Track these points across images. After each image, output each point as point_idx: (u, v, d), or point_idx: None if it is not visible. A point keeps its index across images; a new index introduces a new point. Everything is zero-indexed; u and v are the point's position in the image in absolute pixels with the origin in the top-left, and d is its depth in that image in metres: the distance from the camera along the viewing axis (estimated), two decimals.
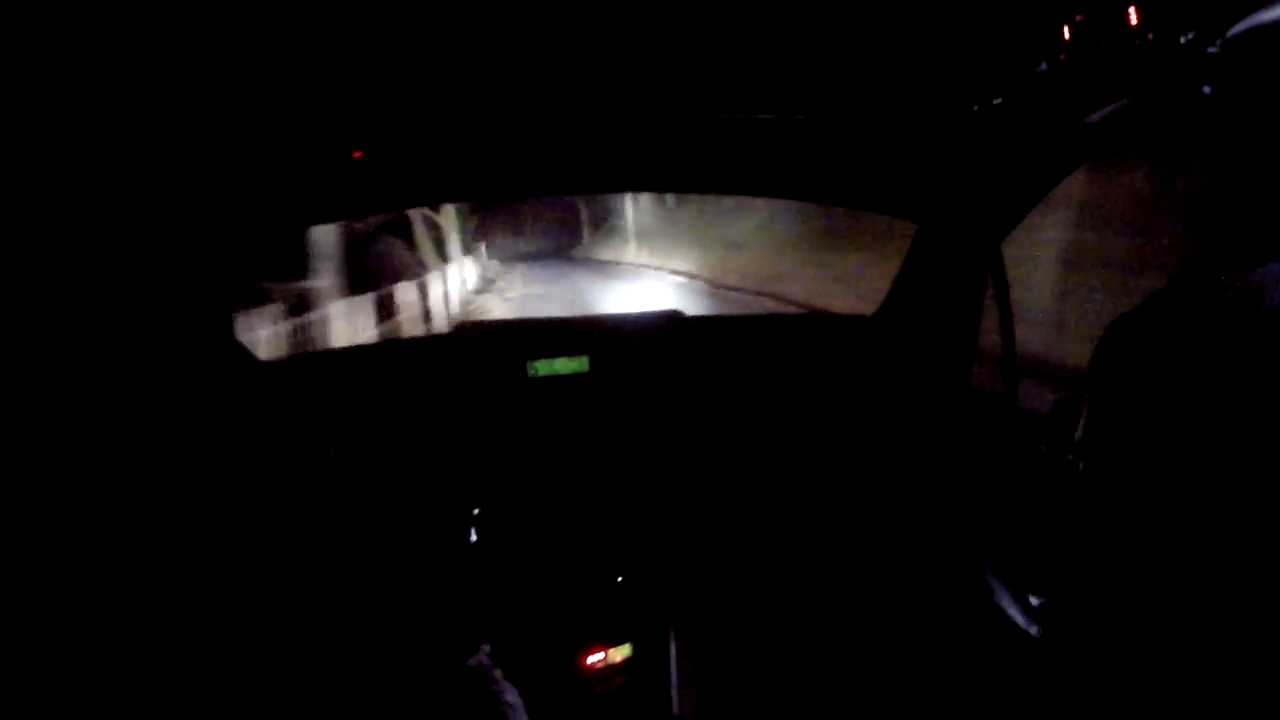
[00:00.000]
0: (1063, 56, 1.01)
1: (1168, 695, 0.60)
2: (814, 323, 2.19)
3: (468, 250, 20.48)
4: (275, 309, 8.25)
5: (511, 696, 1.19)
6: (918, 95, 1.21)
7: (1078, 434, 0.67)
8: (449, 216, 17.48)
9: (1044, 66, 1.05)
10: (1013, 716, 1.26)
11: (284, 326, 8.09)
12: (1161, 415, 0.60)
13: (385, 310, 10.68)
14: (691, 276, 16.82)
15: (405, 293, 11.70)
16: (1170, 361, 0.60)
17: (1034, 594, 1.26)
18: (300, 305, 8.99)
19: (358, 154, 1.34)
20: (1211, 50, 0.91)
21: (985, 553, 1.41)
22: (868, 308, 1.92)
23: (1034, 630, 1.22)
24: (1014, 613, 1.28)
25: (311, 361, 1.80)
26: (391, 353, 1.85)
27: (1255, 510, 0.55)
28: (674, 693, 1.55)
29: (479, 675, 1.19)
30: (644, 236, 24.18)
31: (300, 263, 10.18)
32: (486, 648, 1.25)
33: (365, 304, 10.13)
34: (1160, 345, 0.61)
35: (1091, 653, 0.67)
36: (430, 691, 1.18)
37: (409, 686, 1.19)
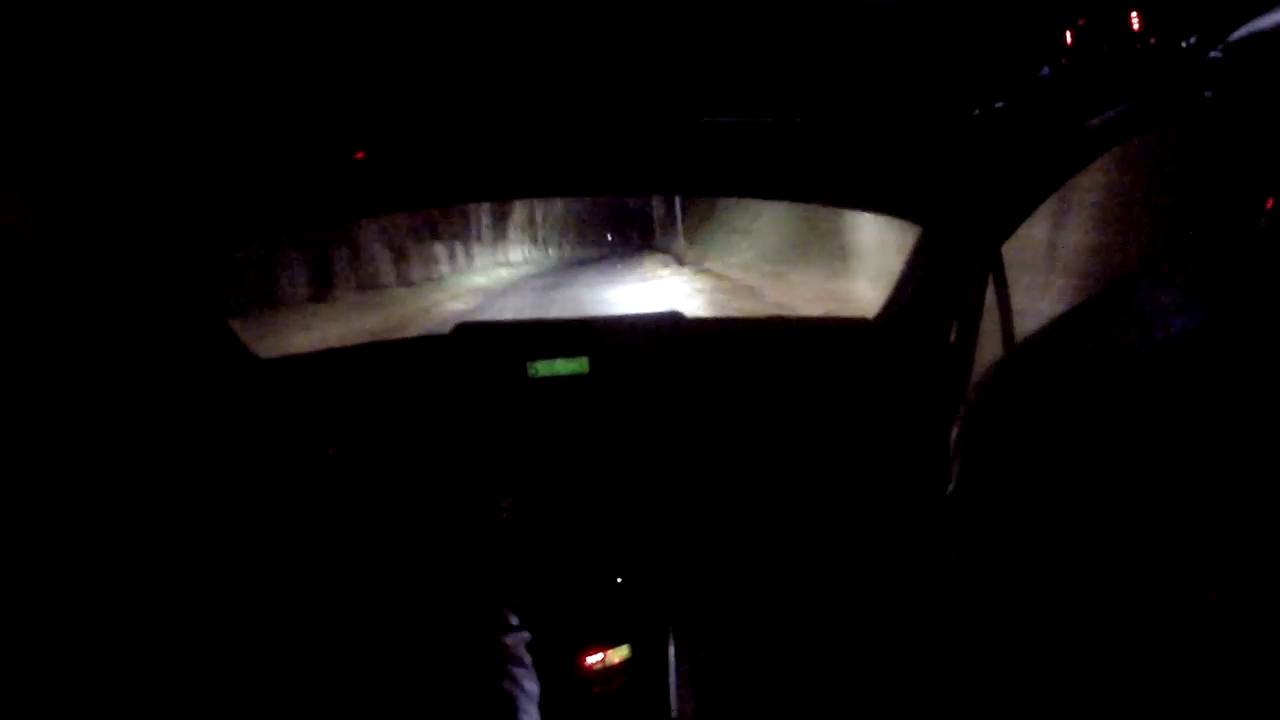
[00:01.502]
0: (1065, 61, 1.01)
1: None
2: (815, 324, 2.20)
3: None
4: None
5: (529, 688, 1.18)
6: (920, 98, 1.21)
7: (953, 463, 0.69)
8: None
9: (1046, 70, 1.05)
10: (1011, 717, 1.26)
11: None
12: (1028, 452, 0.62)
13: None
14: None
15: None
16: (1040, 406, 0.62)
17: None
18: None
19: (359, 155, 1.34)
20: (1213, 55, 0.92)
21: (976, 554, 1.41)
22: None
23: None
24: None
25: (311, 360, 1.80)
26: (391, 352, 1.85)
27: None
28: (673, 694, 1.55)
29: (505, 656, 1.18)
30: None
31: None
32: (527, 635, 1.24)
33: None
34: (1033, 390, 0.63)
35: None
36: (429, 679, 1.18)
37: (390, 698, 1.19)
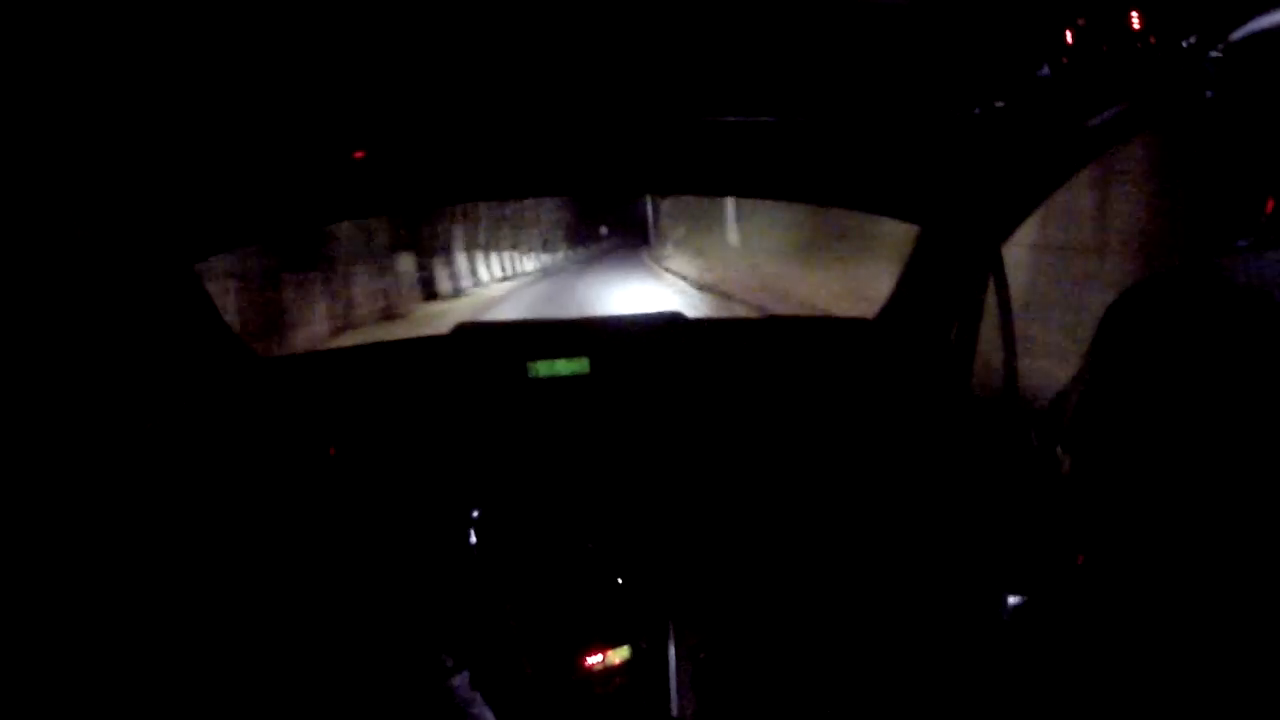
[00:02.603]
0: (1065, 60, 1.01)
1: (1152, 703, 0.59)
2: (815, 325, 2.20)
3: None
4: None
5: (488, 717, 1.19)
6: (920, 98, 1.21)
7: (1066, 422, 0.66)
8: None
9: (1046, 70, 1.05)
10: (1009, 717, 1.26)
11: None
12: (1158, 406, 0.58)
13: None
14: None
15: None
16: (1172, 349, 0.58)
17: (1012, 593, 1.25)
18: None
19: (359, 154, 1.34)
20: (1213, 54, 0.92)
21: (980, 554, 1.41)
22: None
23: (1005, 630, 1.21)
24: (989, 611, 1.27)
25: (311, 360, 1.80)
26: (391, 353, 1.85)
27: (1253, 513, 0.54)
28: (673, 694, 1.55)
29: (459, 698, 1.20)
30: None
31: None
32: (468, 673, 1.25)
33: None
34: (1163, 330, 0.59)
35: (1069, 659, 0.67)
36: (409, 711, 1.18)
37: (390, 699, 1.19)
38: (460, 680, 1.22)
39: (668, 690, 1.55)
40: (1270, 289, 0.55)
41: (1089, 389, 0.64)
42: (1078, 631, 0.67)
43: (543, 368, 1.69)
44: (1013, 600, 1.22)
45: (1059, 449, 0.68)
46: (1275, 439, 0.53)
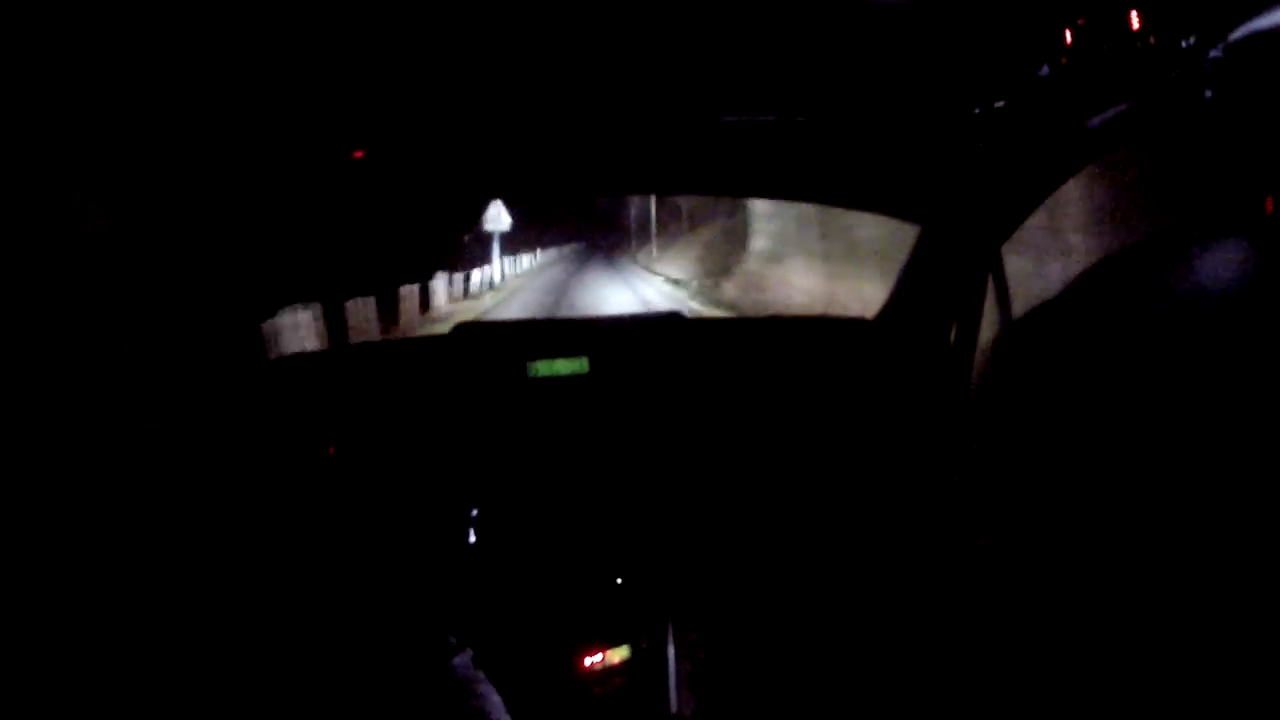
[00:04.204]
0: (1064, 60, 1.01)
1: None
2: (814, 325, 2.20)
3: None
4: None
5: (494, 700, 1.19)
6: (920, 98, 1.21)
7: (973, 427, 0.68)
8: None
9: (1045, 70, 1.05)
10: (1008, 717, 1.26)
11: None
12: (1052, 410, 0.60)
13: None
14: None
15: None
16: (1063, 361, 0.60)
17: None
18: None
19: (358, 154, 1.34)
20: (1213, 54, 0.92)
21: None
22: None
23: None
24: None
25: (311, 360, 1.80)
26: (391, 352, 1.85)
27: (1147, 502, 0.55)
28: (672, 694, 1.55)
29: (462, 676, 1.20)
30: None
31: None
32: (470, 652, 1.25)
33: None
34: (1056, 346, 0.61)
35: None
36: (413, 690, 1.18)
37: (393, 684, 1.19)
38: (463, 659, 1.22)
39: (667, 690, 1.55)
40: (1159, 294, 0.57)
41: (994, 397, 0.66)
42: (979, 612, 0.69)
43: (542, 367, 1.69)
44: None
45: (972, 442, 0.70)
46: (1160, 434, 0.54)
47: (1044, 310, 0.64)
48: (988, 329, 1.63)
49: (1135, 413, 0.56)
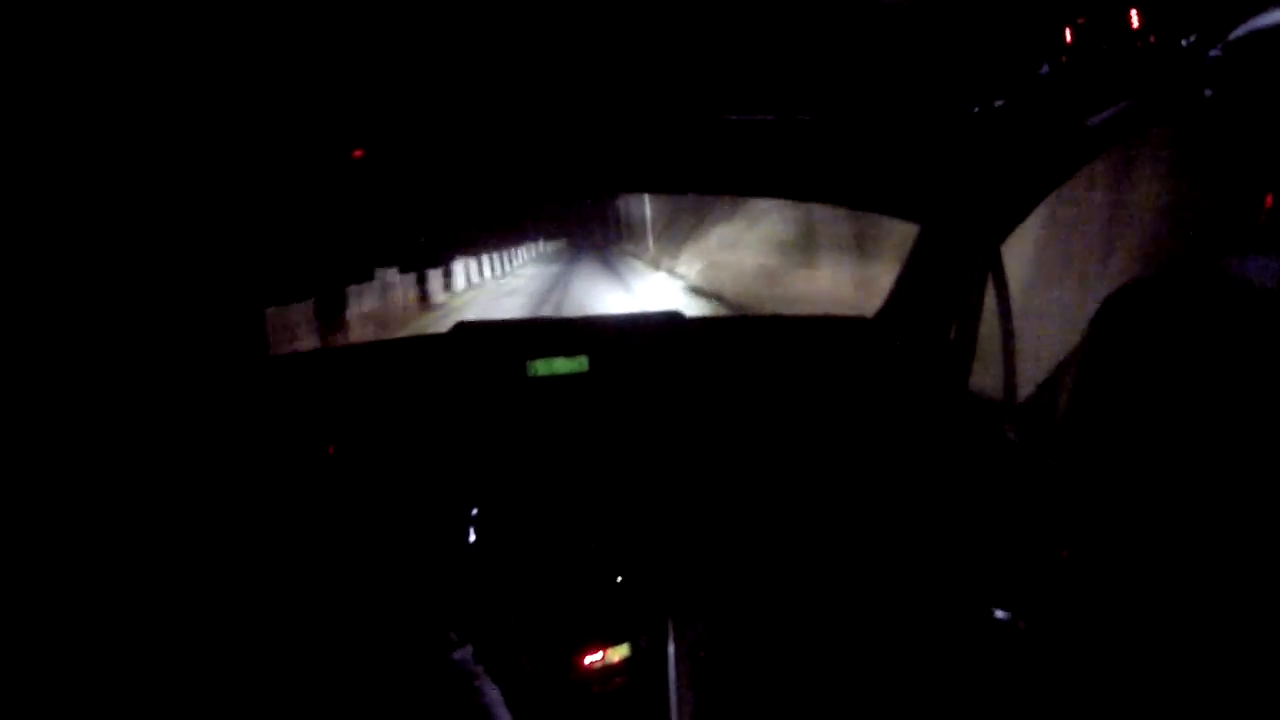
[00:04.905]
0: (1064, 59, 1.01)
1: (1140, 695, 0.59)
2: (814, 324, 2.20)
3: None
4: None
5: (492, 694, 1.19)
6: (920, 97, 1.21)
7: (1057, 418, 0.66)
8: None
9: (1045, 69, 1.05)
10: (1008, 717, 1.26)
11: None
12: (1151, 406, 0.58)
13: None
14: None
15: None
16: (1174, 348, 0.58)
17: (999, 607, 1.22)
18: None
19: (358, 153, 1.34)
20: (1213, 53, 0.92)
21: (975, 552, 1.41)
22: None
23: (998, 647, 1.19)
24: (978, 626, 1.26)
25: (311, 360, 1.80)
26: (391, 352, 1.85)
27: (1247, 513, 0.54)
28: (672, 693, 1.55)
29: (461, 670, 1.20)
30: None
31: None
32: (470, 647, 1.25)
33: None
34: (1164, 329, 0.59)
35: (1058, 653, 0.66)
36: (413, 684, 1.19)
37: (393, 679, 1.19)
38: (463, 654, 1.22)
39: (667, 688, 1.55)
40: (1249, 280, 0.55)
41: (1085, 386, 0.64)
42: (1064, 627, 0.67)
43: (542, 366, 1.69)
44: (1000, 615, 1.21)
45: (1046, 446, 0.68)
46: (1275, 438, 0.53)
47: (1121, 324, 0.62)
48: (988, 329, 1.63)
49: (1212, 425, 0.55)
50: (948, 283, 1.66)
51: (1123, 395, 0.60)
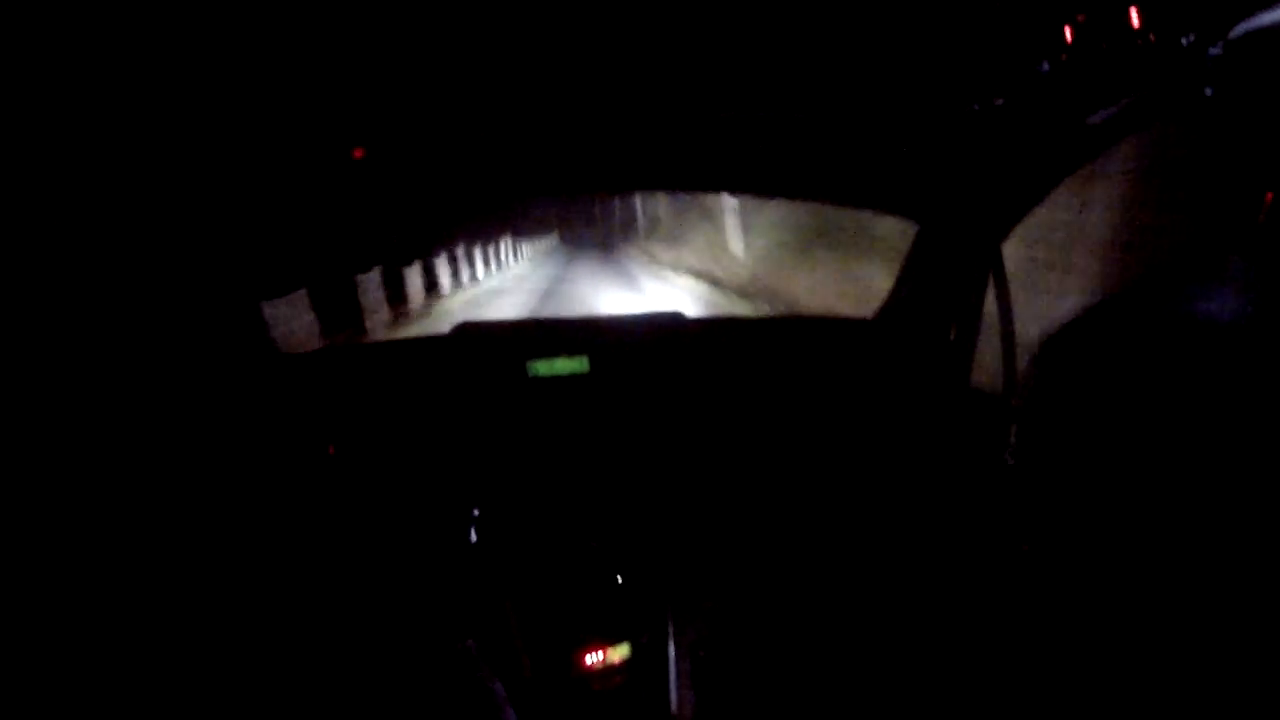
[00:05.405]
0: (1064, 57, 1.01)
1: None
2: (815, 324, 2.20)
3: None
4: None
5: (495, 689, 1.20)
6: (919, 95, 1.21)
7: (1010, 439, 0.68)
8: None
9: (1045, 67, 1.05)
10: (1008, 716, 1.26)
11: None
12: (1091, 420, 0.60)
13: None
14: None
15: None
16: (1099, 373, 0.60)
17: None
18: None
19: (358, 153, 1.34)
20: (1213, 52, 0.92)
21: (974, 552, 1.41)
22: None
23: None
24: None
25: (311, 360, 1.80)
26: (391, 352, 1.85)
27: (1187, 509, 0.55)
28: (672, 692, 1.55)
29: (464, 666, 1.21)
30: None
31: None
32: (473, 643, 1.26)
33: None
34: (1090, 358, 0.61)
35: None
36: (415, 682, 1.19)
37: (395, 677, 1.20)
38: (465, 652, 1.23)
39: (667, 688, 1.55)
40: (1182, 308, 0.57)
41: (1032, 408, 0.66)
42: (1022, 614, 0.68)
43: (542, 367, 1.69)
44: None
45: (1008, 449, 0.70)
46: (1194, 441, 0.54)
47: (1082, 321, 0.64)
48: (988, 328, 1.63)
49: (1169, 422, 0.56)
50: (947, 282, 1.66)
51: (1064, 432, 0.62)
